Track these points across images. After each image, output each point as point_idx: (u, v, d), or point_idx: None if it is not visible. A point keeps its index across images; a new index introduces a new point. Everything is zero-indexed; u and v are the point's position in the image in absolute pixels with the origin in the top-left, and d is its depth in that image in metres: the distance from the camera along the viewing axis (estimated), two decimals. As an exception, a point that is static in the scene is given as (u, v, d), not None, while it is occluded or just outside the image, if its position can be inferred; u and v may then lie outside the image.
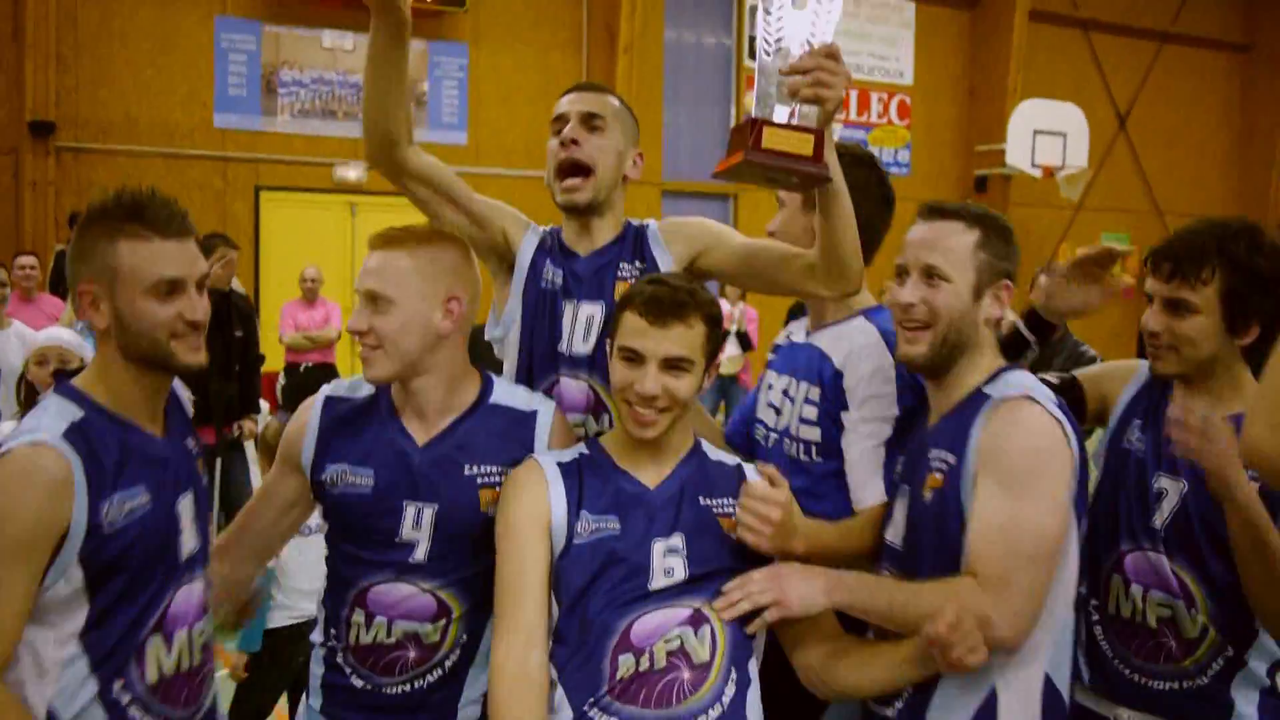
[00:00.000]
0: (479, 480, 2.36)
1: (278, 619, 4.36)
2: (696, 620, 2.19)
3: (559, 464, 2.30)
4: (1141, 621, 2.51)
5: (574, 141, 2.73)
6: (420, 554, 2.33)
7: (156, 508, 2.09)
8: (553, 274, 2.75)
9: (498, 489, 2.34)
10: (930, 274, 2.35)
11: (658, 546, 2.22)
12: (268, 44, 13.25)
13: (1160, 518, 2.49)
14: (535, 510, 2.23)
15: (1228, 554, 2.33)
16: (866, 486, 2.55)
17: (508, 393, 2.49)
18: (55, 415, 2.03)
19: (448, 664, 2.37)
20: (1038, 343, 2.80)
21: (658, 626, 2.17)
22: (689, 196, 15.01)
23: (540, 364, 2.70)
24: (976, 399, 2.31)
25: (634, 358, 2.22)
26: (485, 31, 14.32)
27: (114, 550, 2.02)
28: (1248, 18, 20.20)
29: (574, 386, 2.67)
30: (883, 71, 17.02)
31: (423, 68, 14.03)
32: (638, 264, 2.72)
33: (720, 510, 2.29)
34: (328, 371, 9.76)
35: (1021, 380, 2.32)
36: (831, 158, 2.26)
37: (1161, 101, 19.28)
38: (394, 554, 2.34)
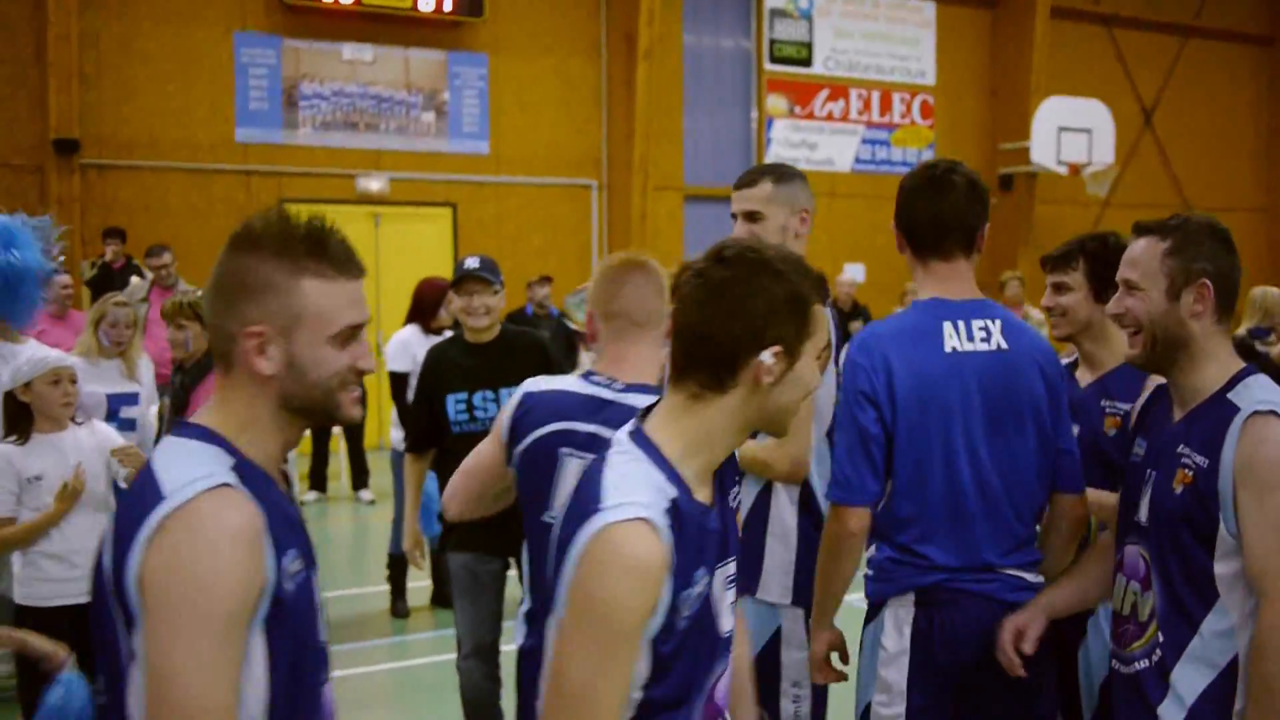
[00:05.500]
0: None
1: None
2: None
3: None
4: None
5: None
6: None
7: (310, 575, 1.88)
8: None
9: None
10: (1129, 286, 2.66)
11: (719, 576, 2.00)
12: (288, 58, 13.29)
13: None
14: None
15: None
16: None
17: None
18: (214, 461, 1.76)
19: None
20: None
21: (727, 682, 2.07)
22: (710, 200, 14.97)
23: None
24: (1225, 408, 2.53)
25: None
26: (504, 41, 14.33)
27: (293, 617, 1.80)
28: (1273, 11, 20.02)
29: None
30: (904, 72, 16.94)
31: (443, 78, 14.05)
32: None
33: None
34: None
35: (1266, 393, 2.53)
36: None
37: (1187, 96, 19.13)
38: None
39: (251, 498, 1.73)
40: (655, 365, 2.89)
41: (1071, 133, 16.28)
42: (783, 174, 3.55)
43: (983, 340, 2.92)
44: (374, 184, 13.54)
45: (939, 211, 2.98)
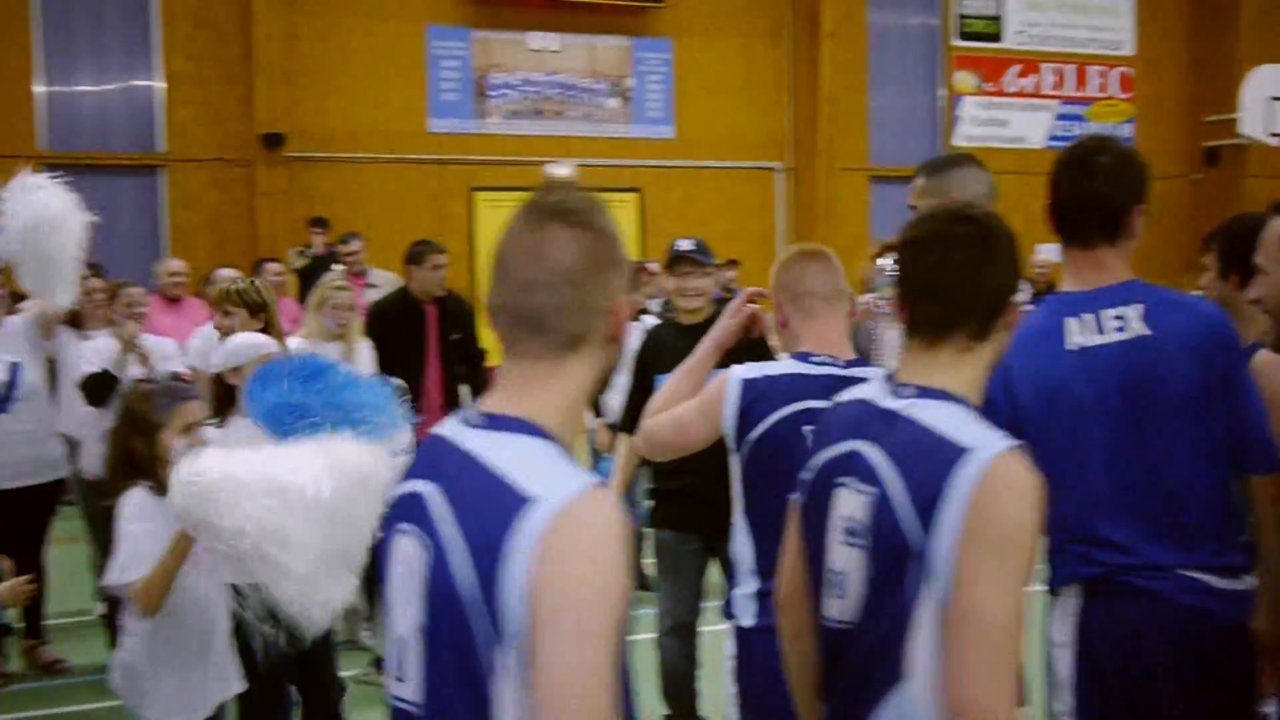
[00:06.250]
0: None
1: None
2: None
3: None
4: None
5: None
6: None
7: None
8: None
9: None
10: (1259, 269, 2.79)
11: None
12: (477, 49, 13.64)
13: None
14: None
15: None
16: None
17: None
18: (559, 457, 1.67)
19: None
20: None
21: None
22: (896, 181, 14.72)
23: None
24: None
25: None
26: (687, 25, 14.38)
27: None
28: None
29: None
30: (1101, 44, 16.30)
31: (628, 64, 14.19)
32: None
33: None
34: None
35: None
36: None
37: None
38: None
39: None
40: (847, 340, 3.06)
41: (1283, 102, 15.40)
42: (936, 166, 3.52)
43: (1117, 330, 2.74)
44: (561, 171, 13.76)
45: (1077, 196, 2.82)
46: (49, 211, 5.52)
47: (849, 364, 3.00)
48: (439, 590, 1.63)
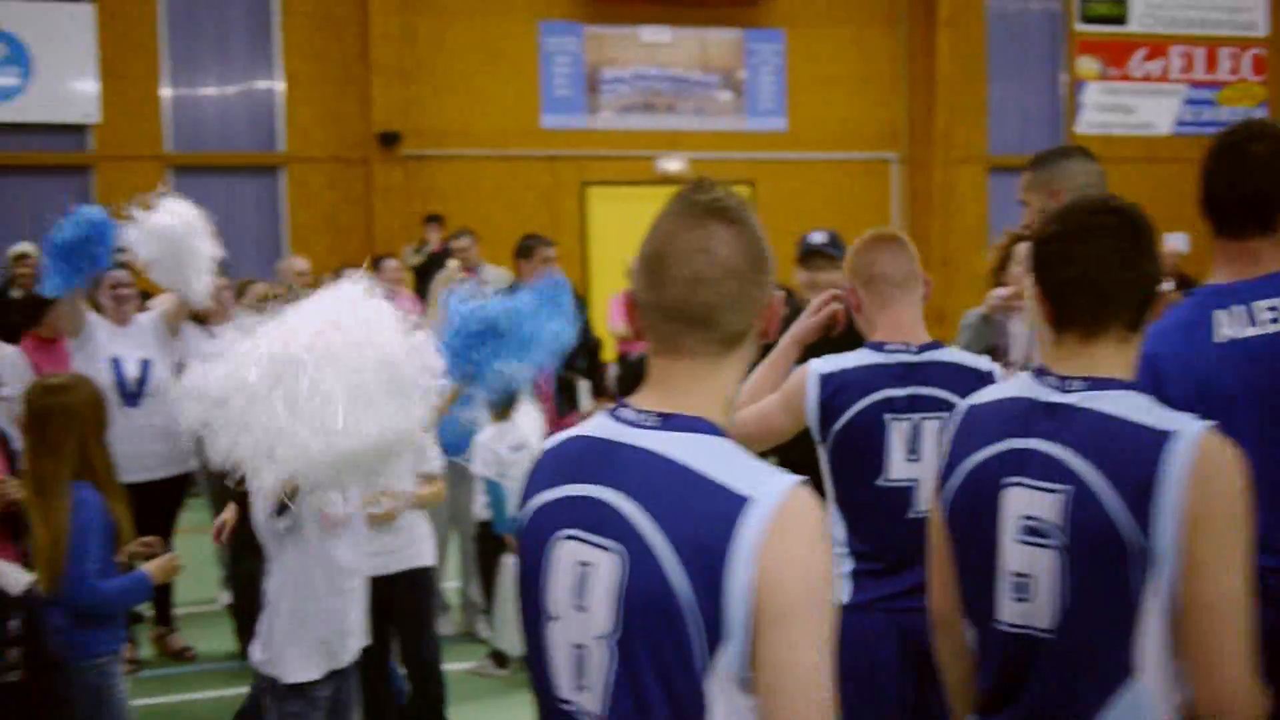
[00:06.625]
0: None
1: None
2: None
3: None
4: None
5: None
6: None
7: None
8: None
9: None
10: None
11: None
12: (589, 44, 13.68)
13: None
14: None
15: None
16: None
17: None
18: (745, 453, 1.70)
19: None
20: None
21: None
22: (1016, 172, 14.35)
23: None
24: None
25: None
26: (799, 15, 14.23)
27: None
28: None
29: None
30: (1233, 25, 15.71)
31: (739, 56, 14.10)
32: None
33: None
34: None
35: None
36: None
37: None
38: None
39: None
40: (921, 323, 3.12)
41: None
42: (1041, 159, 3.63)
43: (1272, 321, 2.63)
44: (673, 164, 13.75)
45: (1230, 185, 2.71)
46: (181, 215, 5.69)
47: (922, 348, 3.06)
48: (640, 597, 1.60)
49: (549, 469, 1.79)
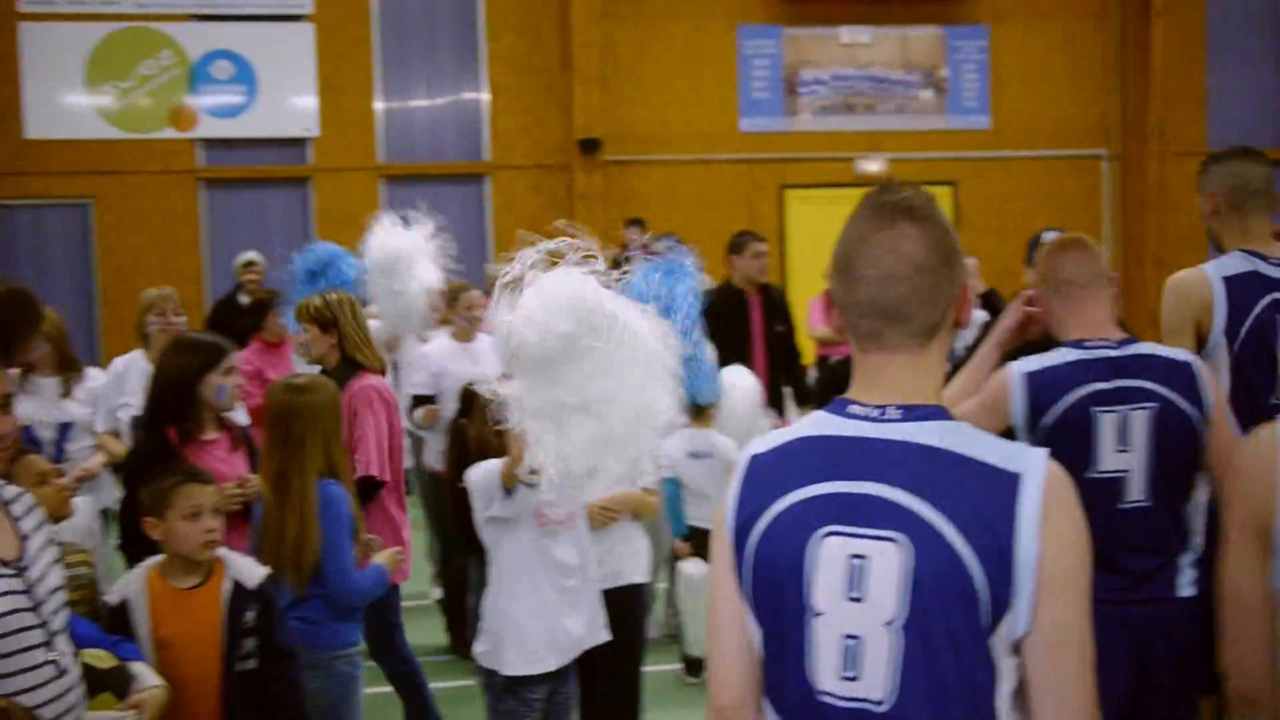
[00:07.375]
0: None
1: None
2: None
3: None
4: None
5: None
6: None
7: None
8: None
9: None
10: None
11: None
12: (788, 46, 13.62)
13: None
14: None
15: None
16: None
17: None
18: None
19: None
20: None
21: None
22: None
23: None
24: None
25: None
26: (1005, 10, 13.85)
27: None
28: None
29: None
30: None
31: (941, 53, 13.80)
32: None
33: None
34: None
35: None
36: None
37: None
38: None
39: None
40: (1112, 321, 3.19)
41: None
42: (1214, 159, 3.79)
43: None
44: (873, 165, 13.56)
45: None
46: (403, 249, 5.98)
47: (1121, 343, 3.14)
48: (933, 579, 1.67)
49: (779, 471, 1.80)
